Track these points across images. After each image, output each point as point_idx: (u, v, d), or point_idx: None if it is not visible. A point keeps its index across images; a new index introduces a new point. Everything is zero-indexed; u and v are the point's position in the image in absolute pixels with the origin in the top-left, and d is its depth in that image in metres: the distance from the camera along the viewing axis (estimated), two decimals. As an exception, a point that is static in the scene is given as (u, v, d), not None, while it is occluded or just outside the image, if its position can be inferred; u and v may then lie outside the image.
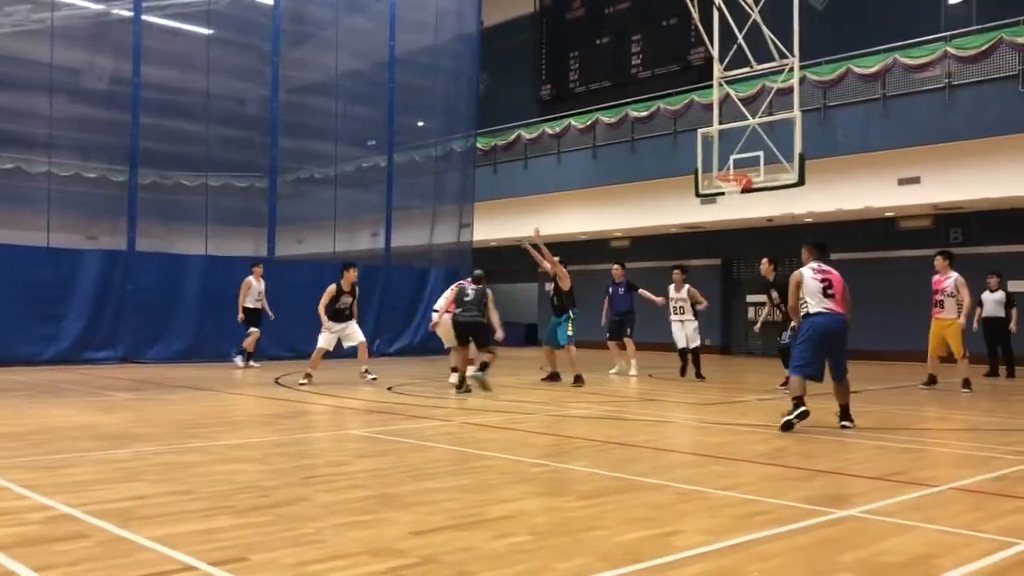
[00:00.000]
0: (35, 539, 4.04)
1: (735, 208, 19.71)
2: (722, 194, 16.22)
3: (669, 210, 22.08)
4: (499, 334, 12.45)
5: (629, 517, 4.58)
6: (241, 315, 16.02)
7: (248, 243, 20.65)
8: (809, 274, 8.30)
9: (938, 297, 12.66)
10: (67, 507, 4.64)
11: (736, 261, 24.66)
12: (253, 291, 16.15)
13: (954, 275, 12.61)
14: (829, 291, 8.19)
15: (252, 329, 16.19)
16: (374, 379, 13.19)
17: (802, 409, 7.98)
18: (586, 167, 23.91)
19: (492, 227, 24.77)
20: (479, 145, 24.65)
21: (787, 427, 7.91)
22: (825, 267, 8.42)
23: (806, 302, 8.22)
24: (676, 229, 23.57)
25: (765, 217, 20.73)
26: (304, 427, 8.42)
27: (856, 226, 21.09)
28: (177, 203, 19.86)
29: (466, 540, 4.08)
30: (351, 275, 13.17)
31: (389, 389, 12.17)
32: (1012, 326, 15.46)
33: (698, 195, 16.66)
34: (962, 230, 19.98)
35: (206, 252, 18.69)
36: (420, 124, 23.32)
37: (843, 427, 8.17)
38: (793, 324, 9.54)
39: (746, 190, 15.39)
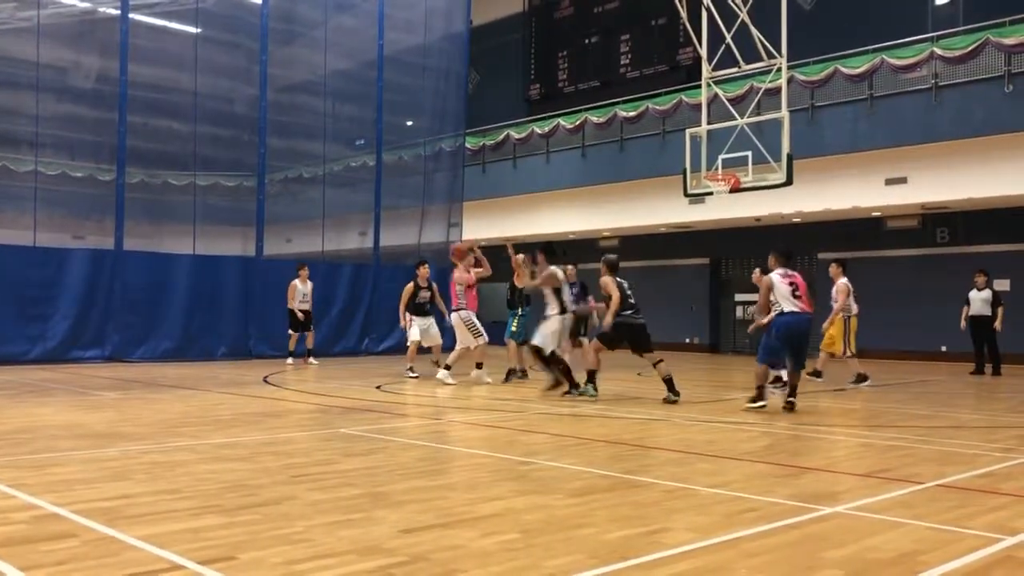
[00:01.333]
0: (21, 539, 4.02)
1: (723, 208, 19.77)
2: (710, 194, 16.27)
3: (658, 210, 22.12)
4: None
5: (617, 515, 4.59)
6: (300, 315, 16.66)
7: (236, 242, 20.58)
8: (778, 279, 9.45)
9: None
10: (53, 506, 4.61)
11: (724, 260, 24.73)
12: (299, 293, 16.66)
13: (838, 281, 13.21)
14: (796, 293, 9.34)
15: (291, 332, 16.78)
16: (448, 370, 13.32)
17: (763, 403, 9.40)
18: (575, 167, 23.94)
19: (481, 226, 24.74)
20: (468, 144, 24.64)
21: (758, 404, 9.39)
22: (791, 272, 9.56)
23: (778, 303, 9.39)
24: (665, 229, 23.62)
25: (753, 217, 20.79)
26: (292, 426, 8.40)
27: (844, 226, 21.18)
28: (165, 202, 19.78)
29: (455, 538, 4.08)
30: (425, 271, 14.12)
31: (378, 388, 12.15)
32: (998, 324, 15.55)
33: (687, 195, 16.70)
34: (949, 230, 20.10)
35: (194, 251, 18.62)
36: (409, 123, 23.29)
37: (788, 403, 9.35)
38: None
39: (734, 190, 15.44)
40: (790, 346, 9.31)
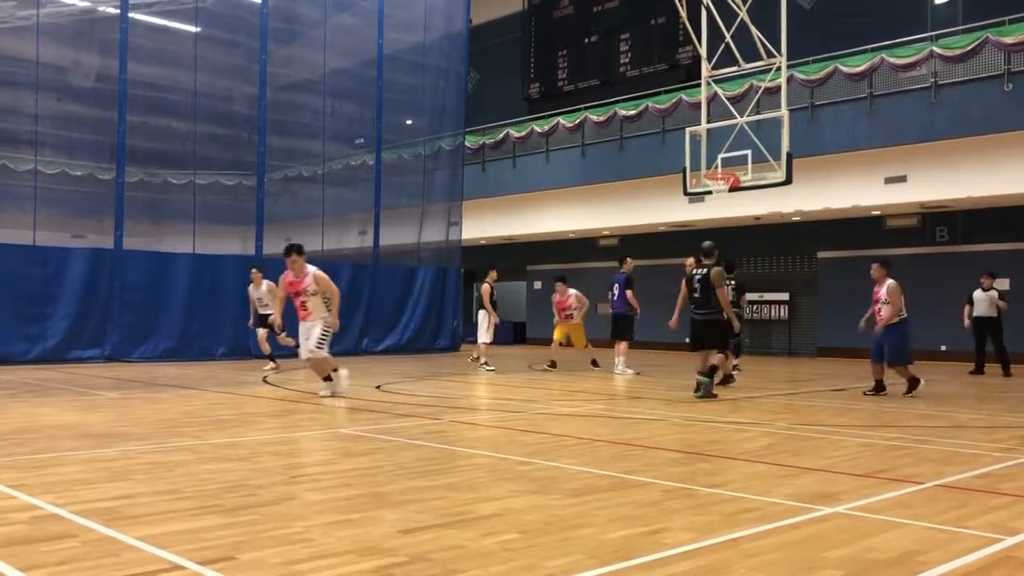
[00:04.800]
0: (21, 539, 4.02)
1: (723, 207, 19.76)
2: (710, 193, 16.24)
3: (657, 209, 22.11)
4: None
5: (617, 515, 4.59)
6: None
7: (236, 242, 20.58)
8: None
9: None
10: (53, 507, 4.61)
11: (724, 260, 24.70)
12: None
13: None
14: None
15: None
16: (491, 369, 15.62)
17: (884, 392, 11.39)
18: (575, 165, 23.93)
19: (481, 225, 24.76)
20: (467, 143, 24.64)
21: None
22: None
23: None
24: (664, 228, 23.60)
25: (753, 216, 20.79)
26: (291, 426, 8.40)
27: (843, 224, 21.17)
28: (164, 201, 19.78)
29: (455, 538, 4.08)
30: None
31: (377, 387, 12.15)
32: (1001, 305, 15.50)
33: (686, 194, 16.68)
34: (948, 228, 20.09)
35: (193, 251, 18.62)
36: (408, 122, 23.29)
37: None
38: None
39: (734, 189, 15.42)
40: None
